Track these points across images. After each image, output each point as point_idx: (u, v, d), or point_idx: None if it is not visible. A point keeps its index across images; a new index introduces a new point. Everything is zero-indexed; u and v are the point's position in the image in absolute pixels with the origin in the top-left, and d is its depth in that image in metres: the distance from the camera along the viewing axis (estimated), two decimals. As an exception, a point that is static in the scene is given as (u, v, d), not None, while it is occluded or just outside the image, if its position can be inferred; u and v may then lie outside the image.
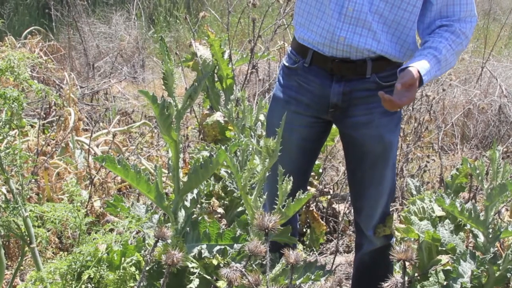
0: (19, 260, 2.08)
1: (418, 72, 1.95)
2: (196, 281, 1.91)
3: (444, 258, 2.53)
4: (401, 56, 2.13)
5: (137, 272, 1.80)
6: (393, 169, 2.27)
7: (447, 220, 2.46)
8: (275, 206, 2.00)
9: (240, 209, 2.98)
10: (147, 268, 1.52)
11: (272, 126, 2.22)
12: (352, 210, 3.47)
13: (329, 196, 3.58)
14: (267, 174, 1.97)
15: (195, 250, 2.02)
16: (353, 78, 2.12)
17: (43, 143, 3.18)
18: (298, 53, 2.19)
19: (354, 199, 2.37)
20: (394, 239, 2.41)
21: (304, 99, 2.19)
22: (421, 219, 2.48)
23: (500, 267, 2.27)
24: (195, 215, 2.18)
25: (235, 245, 2.04)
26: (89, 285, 1.78)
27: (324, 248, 3.38)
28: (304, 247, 3.27)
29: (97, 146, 3.43)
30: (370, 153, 2.21)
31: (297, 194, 2.03)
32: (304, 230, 3.32)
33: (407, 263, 1.29)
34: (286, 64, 2.25)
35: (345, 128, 2.22)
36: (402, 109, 2.26)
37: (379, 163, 2.22)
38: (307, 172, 2.40)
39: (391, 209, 3.61)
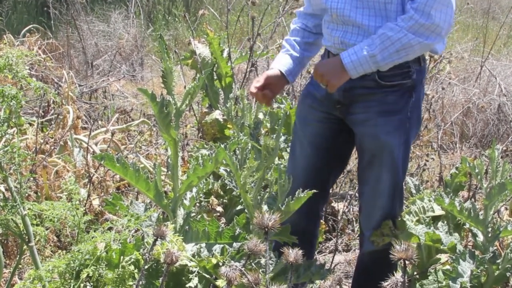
0: (17, 258, 2.07)
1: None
2: (195, 280, 1.90)
3: (444, 257, 2.53)
4: None
5: (136, 270, 1.80)
6: (394, 173, 2.22)
7: (440, 223, 2.45)
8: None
9: (239, 207, 2.97)
10: (146, 267, 1.52)
11: (296, 118, 2.40)
12: (351, 209, 3.49)
13: (328, 195, 3.57)
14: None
15: (194, 249, 2.02)
16: None
17: (42, 141, 3.17)
18: (323, 54, 2.36)
19: (358, 195, 2.43)
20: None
21: (318, 94, 2.29)
22: (416, 223, 2.46)
23: (500, 266, 2.27)
24: (194, 214, 2.17)
25: (234, 244, 2.04)
26: (87, 283, 1.77)
27: (323, 247, 3.38)
28: (303, 245, 3.26)
29: (96, 144, 3.42)
30: (366, 151, 2.24)
31: (296, 193, 2.03)
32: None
33: (407, 262, 1.28)
34: None
35: (349, 125, 2.28)
36: (407, 113, 2.18)
37: (375, 163, 2.22)
38: (322, 172, 2.35)
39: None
